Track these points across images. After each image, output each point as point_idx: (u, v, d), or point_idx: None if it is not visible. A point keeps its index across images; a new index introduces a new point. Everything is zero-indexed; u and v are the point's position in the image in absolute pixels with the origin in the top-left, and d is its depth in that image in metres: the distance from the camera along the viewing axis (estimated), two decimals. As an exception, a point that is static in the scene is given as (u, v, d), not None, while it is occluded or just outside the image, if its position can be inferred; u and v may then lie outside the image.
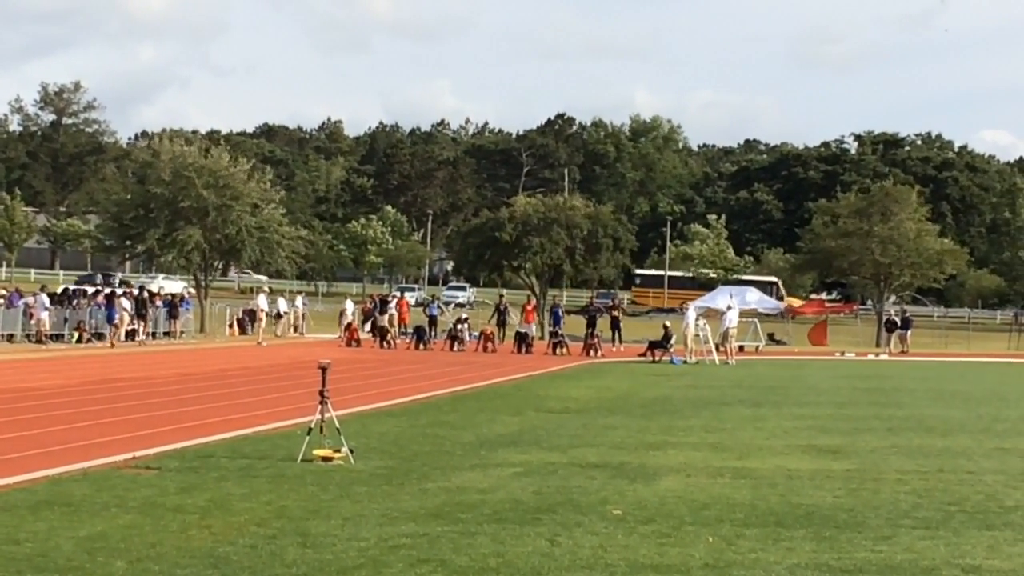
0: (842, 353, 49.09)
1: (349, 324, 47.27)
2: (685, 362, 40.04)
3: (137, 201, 49.49)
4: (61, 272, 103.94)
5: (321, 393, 15.13)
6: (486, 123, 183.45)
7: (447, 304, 63.72)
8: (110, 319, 40.20)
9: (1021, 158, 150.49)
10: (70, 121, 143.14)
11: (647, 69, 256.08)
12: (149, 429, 17.44)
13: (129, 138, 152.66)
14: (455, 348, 43.99)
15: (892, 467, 15.67)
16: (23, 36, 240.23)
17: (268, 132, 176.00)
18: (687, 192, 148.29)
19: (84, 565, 9.15)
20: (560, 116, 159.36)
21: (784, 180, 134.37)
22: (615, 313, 49.30)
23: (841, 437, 19.02)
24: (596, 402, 24.66)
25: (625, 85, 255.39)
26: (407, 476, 13.89)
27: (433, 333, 47.39)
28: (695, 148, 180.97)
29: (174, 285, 65.16)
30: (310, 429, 15.08)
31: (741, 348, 45.42)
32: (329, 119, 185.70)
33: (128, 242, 51.66)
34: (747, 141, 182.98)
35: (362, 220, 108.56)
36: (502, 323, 48.97)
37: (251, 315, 48.45)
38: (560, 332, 45.09)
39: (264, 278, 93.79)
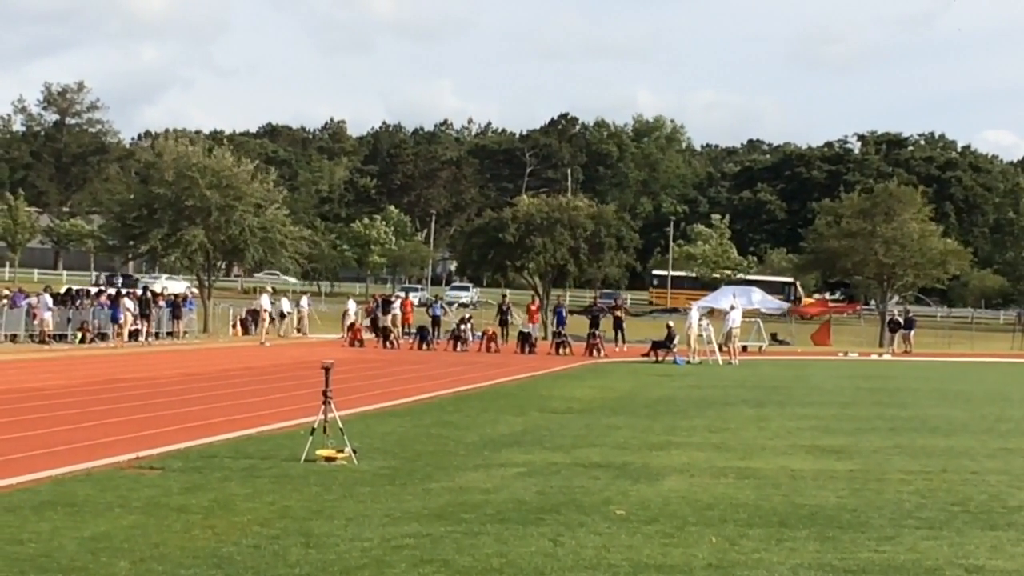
0: (845, 353, 49.07)
1: (352, 324, 47.30)
2: (688, 362, 40.02)
3: (140, 201, 49.54)
4: (64, 272, 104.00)
5: (324, 393, 15.13)
6: (489, 123, 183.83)
7: (450, 304, 63.72)
8: (115, 319, 40.23)
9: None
10: (73, 121, 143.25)
11: (648, 69, 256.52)
12: (152, 429, 17.45)
13: (132, 138, 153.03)
14: (458, 348, 44.00)
15: (895, 467, 15.66)
16: (25, 36, 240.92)
17: (271, 132, 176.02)
18: (690, 192, 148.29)
19: (88, 565, 9.15)
20: (563, 116, 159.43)
21: (787, 180, 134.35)
22: (618, 313, 49.32)
23: (844, 437, 19.01)
24: (599, 402, 24.65)
25: (626, 85, 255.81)
26: (410, 476, 13.89)
27: (436, 333, 47.43)
28: (698, 148, 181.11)
29: (177, 285, 65.24)
30: (313, 429, 15.08)
31: (744, 348, 45.40)
32: (332, 119, 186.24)
33: (131, 242, 51.71)
34: (750, 141, 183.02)
35: (365, 220, 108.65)
36: (504, 323, 49.01)
37: (254, 315, 48.48)
38: (563, 332, 45.09)
39: (293, 279, 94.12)
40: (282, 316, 49.10)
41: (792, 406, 24.80)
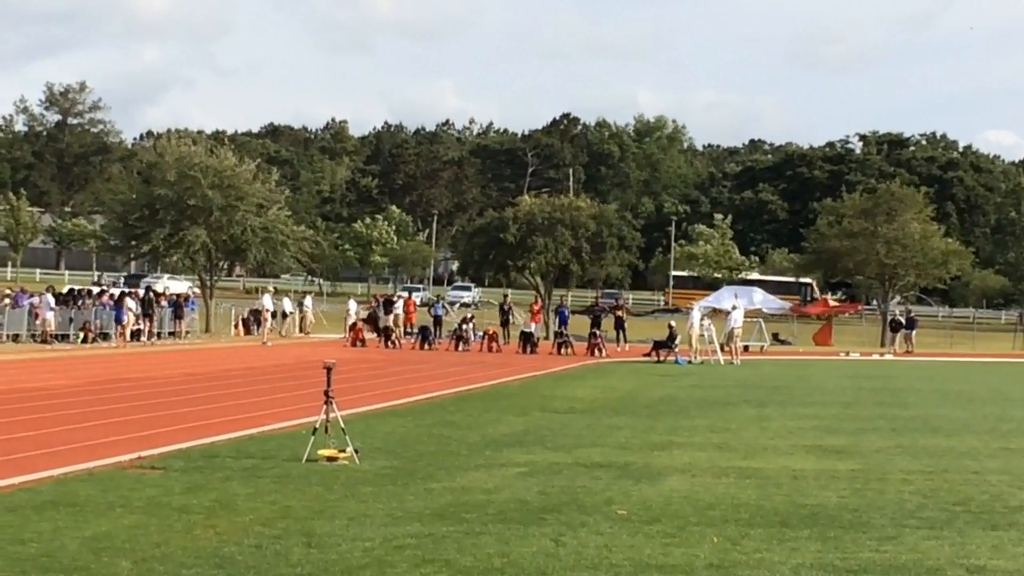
0: (847, 353, 49.04)
1: (354, 324, 47.32)
2: (690, 362, 40.00)
3: (142, 201, 49.50)
4: (66, 272, 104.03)
5: (326, 393, 15.14)
6: (491, 123, 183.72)
7: (452, 304, 63.74)
8: (118, 320, 40.23)
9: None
10: (75, 121, 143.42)
11: (649, 69, 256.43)
12: (154, 429, 17.46)
13: (134, 138, 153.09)
14: (460, 348, 44.00)
15: (897, 467, 15.66)
16: (26, 36, 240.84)
17: (273, 132, 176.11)
18: (692, 192, 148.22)
19: (89, 565, 9.16)
20: (565, 116, 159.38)
21: (789, 180, 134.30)
22: (619, 313, 49.31)
23: (846, 437, 19.01)
24: (601, 402, 24.66)
25: (627, 85, 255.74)
26: (412, 476, 13.90)
27: (438, 333, 47.43)
28: (700, 148, 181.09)
29: (179, 285, 65.27)
30: (315, 429, 15.09)
31: (746, 348, 45.39)
32: (334, 119, 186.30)
33: (133, 242, 51.68)
34: (752, 141, 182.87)
35: (367, 220, 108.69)
36: (506, 323, 49.00)
37: (256, 315, 48.50)
38: (565, 332, 45.08)
39: (321, 281, 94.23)
40: (284, 316, 49.07)
41: (794, 406, 24.80)
